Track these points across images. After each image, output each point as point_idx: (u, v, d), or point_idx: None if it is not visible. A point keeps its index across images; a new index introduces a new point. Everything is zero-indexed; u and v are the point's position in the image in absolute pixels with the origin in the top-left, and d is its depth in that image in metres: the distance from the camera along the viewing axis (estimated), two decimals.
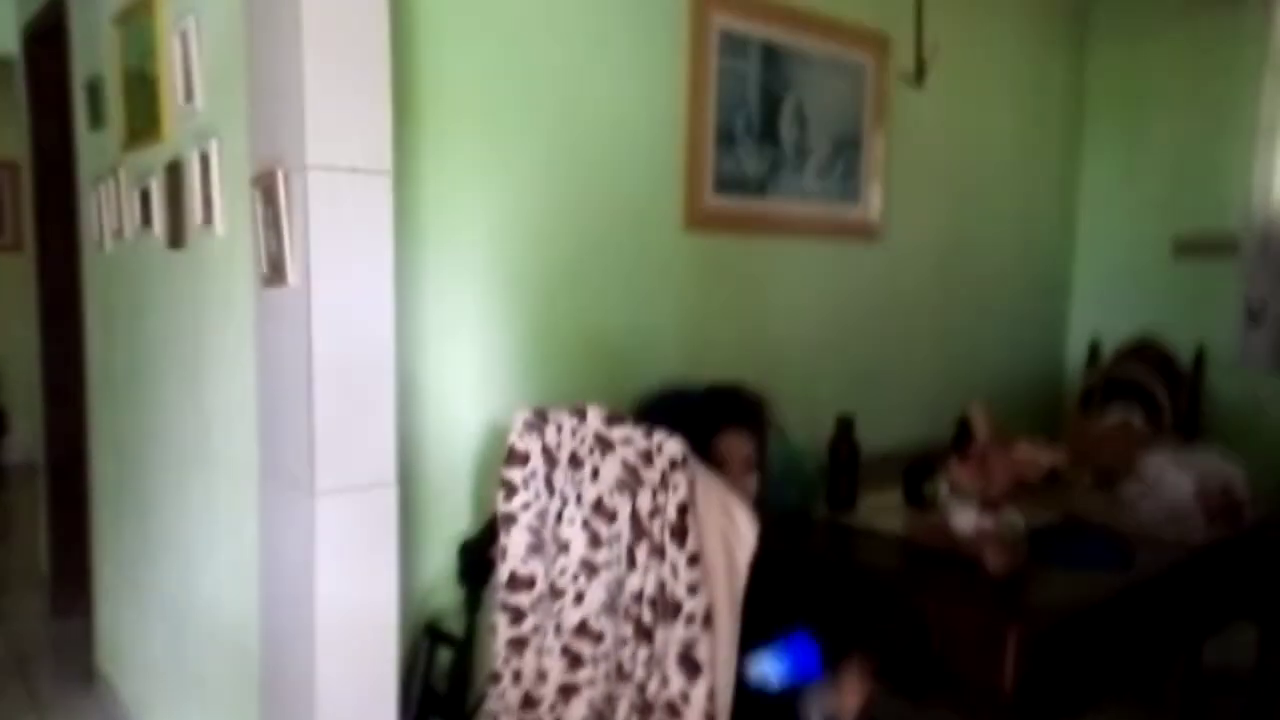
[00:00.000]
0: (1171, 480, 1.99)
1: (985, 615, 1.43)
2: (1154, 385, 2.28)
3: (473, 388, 1.74)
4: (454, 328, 1.72)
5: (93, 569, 2.75)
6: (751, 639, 1.49)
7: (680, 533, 1.13)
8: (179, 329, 1.97)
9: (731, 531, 1.17)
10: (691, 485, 1.15)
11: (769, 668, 1.31)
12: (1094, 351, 3.02)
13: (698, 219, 2.14)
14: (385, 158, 1.42)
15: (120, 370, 2.42)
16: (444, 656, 1.58)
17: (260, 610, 1.57)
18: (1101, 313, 3.18)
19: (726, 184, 2.22)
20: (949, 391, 2.83)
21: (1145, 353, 2.88)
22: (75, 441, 2.86)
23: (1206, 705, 2.57)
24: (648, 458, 1.17)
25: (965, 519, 1.63)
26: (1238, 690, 2.26)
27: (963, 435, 1.77)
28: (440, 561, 1.67)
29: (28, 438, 3.20)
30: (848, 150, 2.48)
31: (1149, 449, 2.12)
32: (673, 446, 1.15)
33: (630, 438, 1.21)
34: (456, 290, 1.72)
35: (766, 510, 1.41)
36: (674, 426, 1.21)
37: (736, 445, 1.39)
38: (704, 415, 1.37)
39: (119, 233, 2.30)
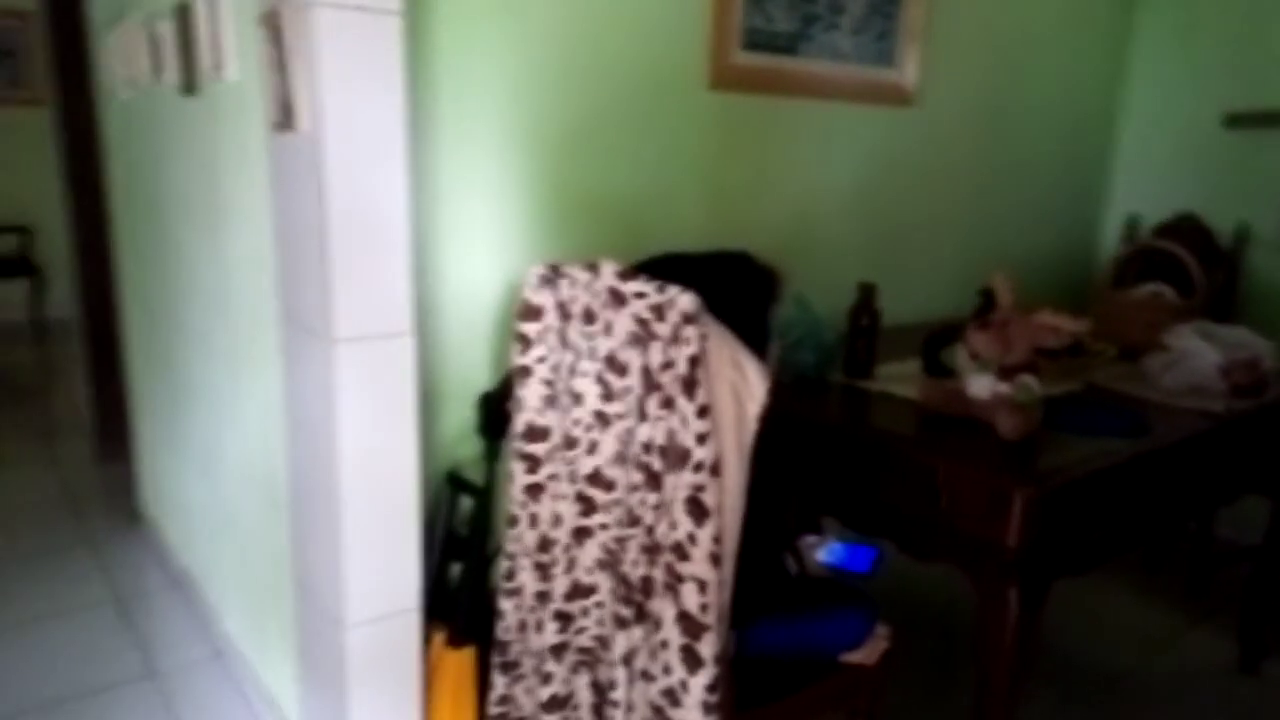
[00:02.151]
0: (1197, 351, 1.97)
1: (993, 476, 1.45)
2: (1188, 260, 2.22)
3: (490, 245, 1.73)
4: (470, 183, 1.69)
5: (131, 418, 2.85)
6: (765, 494, 1.53)
7: (690, 385, 1.14)
8: (196, 179, 1.96)
9: (742, 385, 1.18)
10: (703, 339, 1.15)
11: (828, 554, 1.38)
12: (1132, 229, 2.94)
13: (724, 77, 2.06)
14: None
15: (142, 223, 2.43)
16: (465, 505, 1.63)
17: (287, 455, 1.62)
18: (1144, 188, 3.07)
19: (756, 41, 2.12)
20: (979, 264, 2.78)
21: (1184, 229, 2.80)
22: (106, 295, 2.91)
23: (1213, 575, 2.63)
24: (660, 312, 1.17)
25: (981, 385, 1.63)
26: (1245, 562, 2.30)
27: (986, 305, 1.74)
28: (461, 414, 1.70)
29: (65, 293, 3.25)
30: (885, 8, 2.35)
31: (1177, 323, 2.08)
32: (685, 301, 1.14)
33: (643, 292, 1.20)
34: (473, 144, 1.68)
35: (782, 375, 1.42)
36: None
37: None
38: (709, 281, 1.35)
39: (132, 81, 2.26)
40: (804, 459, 1.72)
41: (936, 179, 2.60)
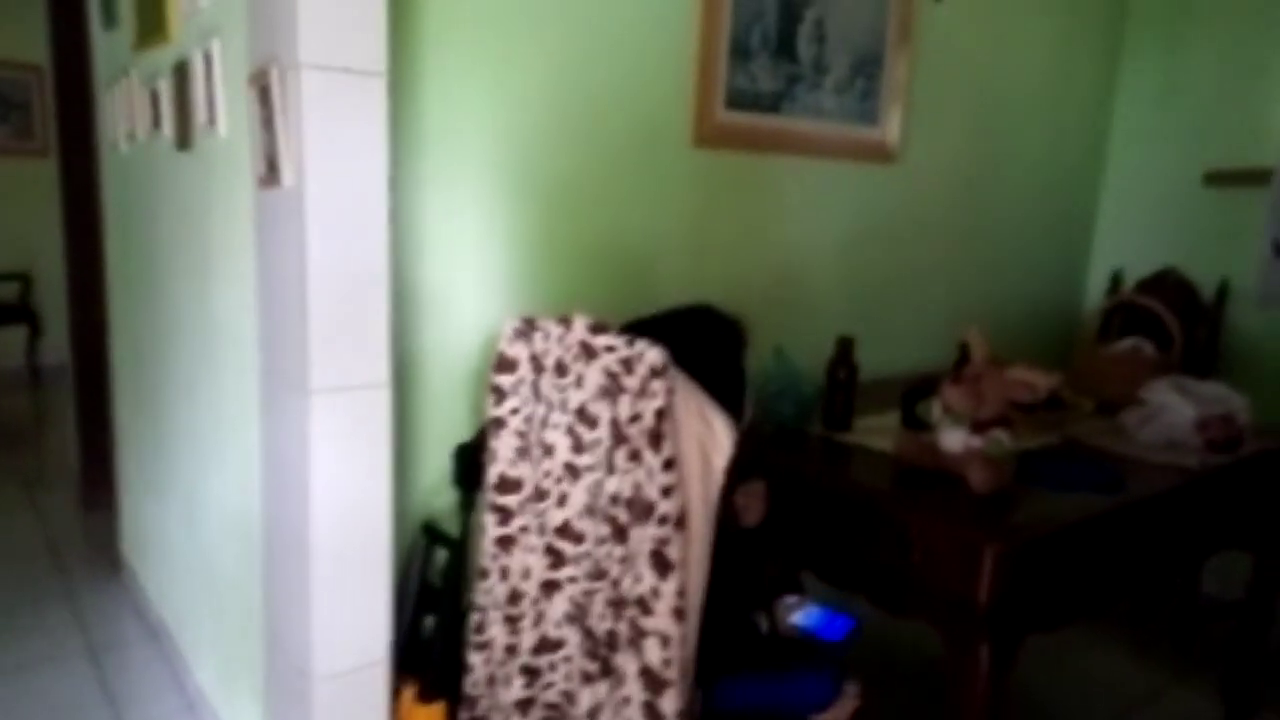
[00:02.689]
0: (1172, 406, 1.98)
1: (964, 531, 1.45)
2: (1167, 316, 2.25)
3: (474, 297, 1.76)
4: (455, 236, 1.72)
5: (116, 465, 2.86)
6: (736, 548, 1.53)
7: (656, 438, 1.15)
8: (187, 231, 2.00)
9: (708, 438, 1.19)
10: (669, 393, 1.17)
11: (804, 617, 1.39)
12: (1115, 283, 2.97)
13: (708, 135, 2.11)
14: (379, 59, 1.41)
15: (136, 273, 2.46)
16: (441, 556, 1.63)
17: (262, 504, 1.63)
18: (1127, 243, 3.11)
19: (739, 100, 2.17)
20: (962, 317, 2.81)
21: (1166, 284, 2.83)
22: (98, 343, 2.94)
23: (1197, 631, 2.61)
24: (629, 365, 1.19)
25: (954, 439, 1.64)
26: (1229, 618, 2.29)
27: (963, 360, 1.76)
28: (439, 465, 1.71)
29: (61, 339, 3.29)
30: (868, 69, 2.41)
31: (1155, 378, 2.10)
32: (653, 355, 1.17)
33: (613, 345, 1.22)
34: (458, 199, 1.72)
35: (761, 426, 1.44)
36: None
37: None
38: (677, 335, 1.38)
39: (132, 135, 2.31)
40: (781, 511, 1.73)
41: (919, 234, 2.65)
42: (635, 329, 1.42)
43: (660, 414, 1.15)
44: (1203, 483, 1.82)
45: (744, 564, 1.50)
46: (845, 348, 1.97)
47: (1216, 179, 2.87)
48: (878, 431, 1.94)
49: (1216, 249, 2.87)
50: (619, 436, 1.20)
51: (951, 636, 1.47)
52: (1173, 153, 3.00)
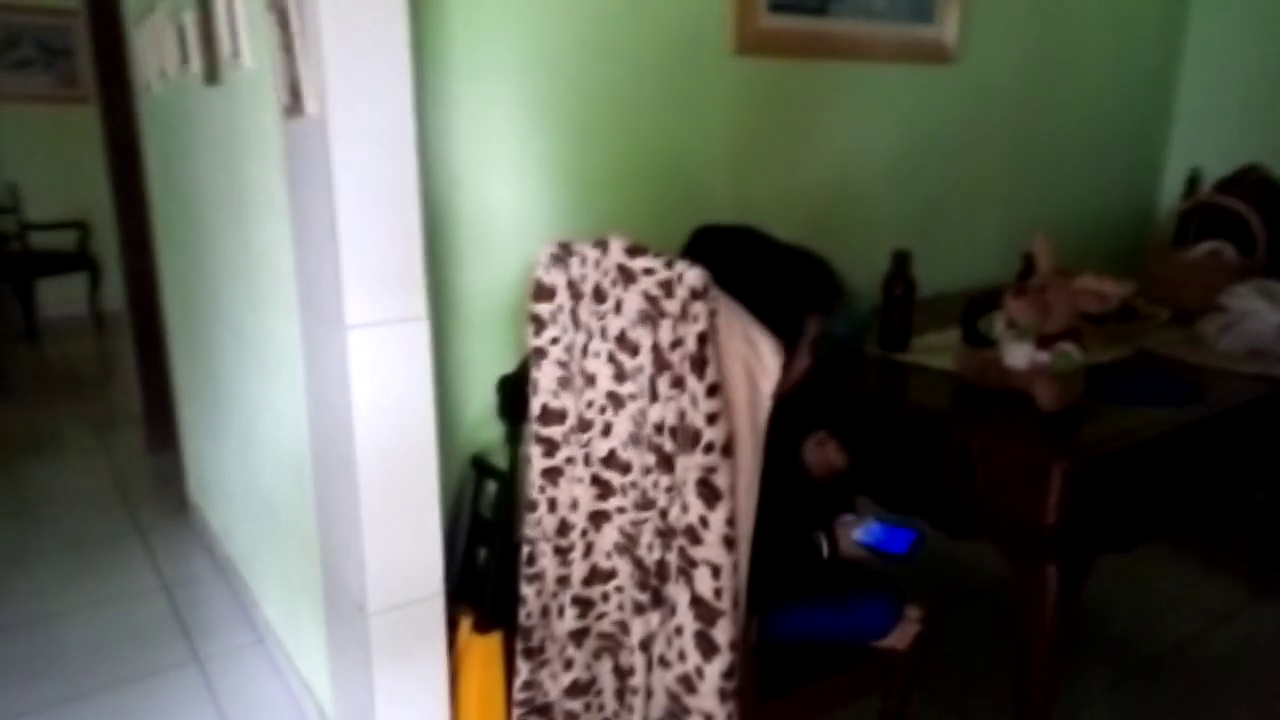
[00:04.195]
0: (1256, 312, 1.86)
1: (1030, 450, 1.38)
2: (1251, 216, 2.09)
3: (511, 224, 1.70)
4: (490, 162, 1.66)
5: (176, 408, 2.91)
6: (791, 473, 1.49)
7: (699, 363, 1.10)
8: (221, 168, 1.97)
9: (755, 362, 1.13)
10: (712, 315, 1.10)
11: (865, 534, 1.35)
12: (1193, 184, 2.79)
13: (750, 42, 1.99)
14: None
15: (179, 216, 2.46)
16: (491, 489, 1.62)
17: (310, 442, 1.63)
18: (1207, 140, 2.91)
19: (783, 3, 2.04)
20: (1024, 229, 2.65)
21: (1249, 182, 2.65)
22: (151, 288, 2.97)
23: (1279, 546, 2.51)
24: (668, 289, 1.13)
25: (1020, 354, 1.56)
26: None
27: (1027, 271, 1.66)
28: (484, 398, 1.68)
29: (120, 286, 3.34)
30: None
31: (1237, 283, 1.97)
32: (692, 276, 1.10)
33: (651, 268, 1.16)
34: (490, 121, 1.65)
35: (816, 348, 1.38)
36: (740, 279, 1.18)
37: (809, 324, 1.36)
38: (775, 282, 1.32)
39: (163, 73, 2.28)
40: (838, 434, 1.67)
41: (979, 141, 2.50)
42: (728, 247, 1.36)
43: (703, 338, 1.10)
44: None
45: (799, 489, 1.46)
46: (901, 262, 1.88)
47: None
48: (937, 350, 1.85)
49: None
50: (661, 363, 1.15)
51: (1018, 558, 1.41)
52: (1256, 42, 2.77)
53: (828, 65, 2.14)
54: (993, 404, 1.56)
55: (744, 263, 1.32)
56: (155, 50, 2.30)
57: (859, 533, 1.38)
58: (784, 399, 1.20)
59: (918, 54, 2.30)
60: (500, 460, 1.63)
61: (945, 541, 1.54)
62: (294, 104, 1.40)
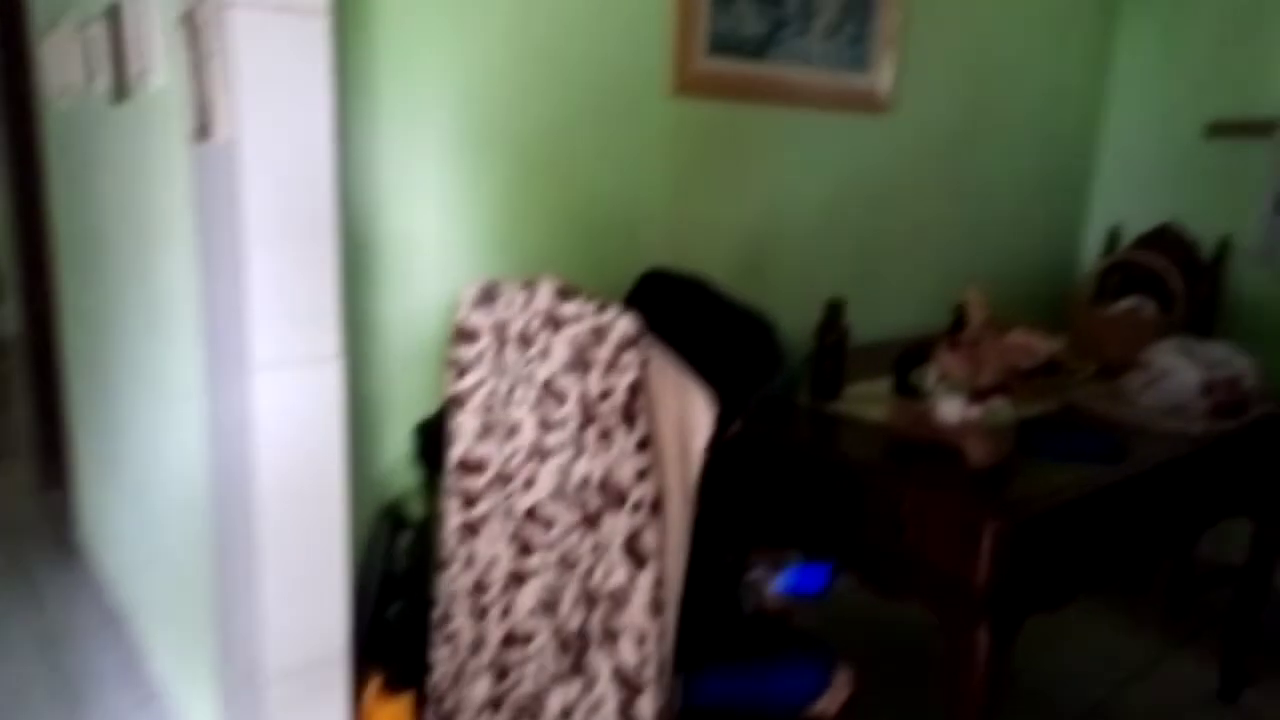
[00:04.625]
0: (1176, 370, 1.89)
1: (961, 508, 1.36)
2: (1168, 273, 2.15)
3: (437, 260, 1.63)
4: (416, 195, 1.59)
5: (70, 443, 2.73)
6: (716, 526, 1.43)
7: (630, 415, 1.04)
8: (126, 191, 1.86)
9: (687, 415, 1.08)
10: (644, 366, 1.05)
11: (781, 581, 1.30)
12: (1113, 240, 2.87)
13: (689, 83, 1.98)
14: None
15: (81, 239, 2.32)
16: (405, 541, 1.53)
17: (210, 487, 1.51)
18: (1126, 198, 3.00)
19: (722, 45, 2.03)
20: (955, 277, 2.70)
21: (1165, 240, 2.73)
22: (49, 313, 2.79)
23: (1193, 598, 2.55)
24: (599, 335, 1.07)
25: (951, 408, 1.54)
26: (1226, 584, 2.22)
27: (959, 323, 1.66)
28: (402, 444, 1.60)
29: (16, 309, 3.13)
30: (858, 12, 2.27)
31: (1157, 339, 2.01)
32: (624, 324, 1.05)
33: (581, 313, 1.11)
34: (418, 153, 1.58)
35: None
36: (683, 333, 1.14)
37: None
38: (719, 342, 1.26)
39: (70, 87, 2.15)
40: (766, 486, 1.63)
41: (911, 189, 2.53)
42: (645, 291, 1.31)
43: (633, 389, 1.04)
44: (1208, 450, 1.74)
45: (726, 543, 1.40)
46: (834, 311, 1.86)
47: (1218, 131, 2.75)
48: (869, 400, 1.83)
49: (1217, 204, 2.76)
50: (589, 414, 1.09)
51: (948, 619, 1.38)
52: (1172, 105, 2.88)
53: (766, 109, 2.14)
54: (924, 458, 1.54)
55: (690, 316, 1.28)
56: (61, 65, 2.18)
57: (777, 581, 1.33)
58: (715, 452, 1.16)
59: (853, 102, 2.32)
60: (416, 511, 1.54)
61: (875, 599, 1.50)
62: (203, 127, 1.32)
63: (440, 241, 1.63)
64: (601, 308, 1.09)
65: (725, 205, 2.10)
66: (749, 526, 1.46)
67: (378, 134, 1.52)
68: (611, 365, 1.06)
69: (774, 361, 1.37)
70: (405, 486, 1.56)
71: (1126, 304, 2.26)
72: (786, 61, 2.16)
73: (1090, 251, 3.03)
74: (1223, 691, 2.17)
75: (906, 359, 1.88)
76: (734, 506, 1.39)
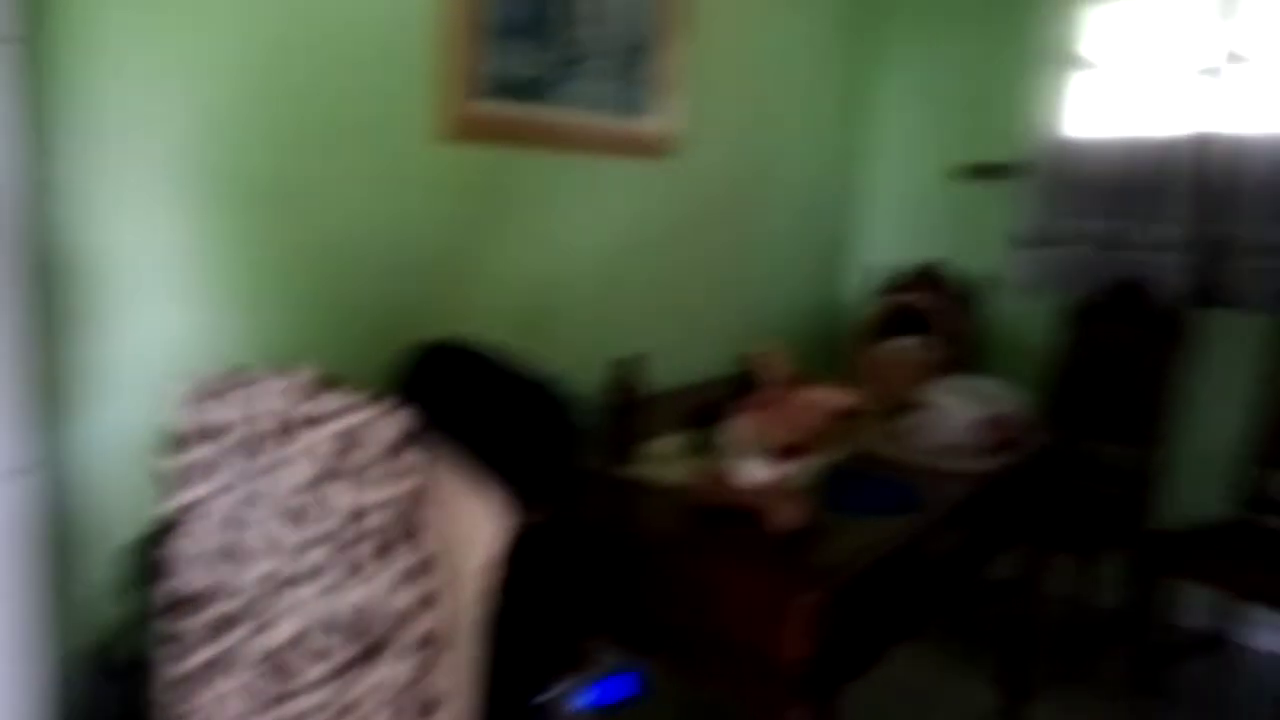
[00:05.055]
0: (951, 409, 1.95)
1: (769, 582, 1.29)
2: (936, 311, 2.24)
3: (164, 337, 1.37)
4: (140, 257, 1.32)
5: None
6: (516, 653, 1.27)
7: (402, 535, 0.87)
8: None
9: (477, 527, 0.92)
10: (419, 472, 0.88)
11: (583, 698, 1.15)
12: (877, 279, 3.00)
13: (457, 127, 1.82)
14: (8, 21, 1.00)
15: None
16: (118, 691, 1.24)
17: None
18: (886, 242, 3.16)
19: (497, 87, 1.90)
20: (743, 324, 2.71)
21: (926, 279, 2.89)
22: None
23: (970, 614, 2.65)
24: (359, 437, 0.89)
25: (751, 470, 1.47)
26: (1000, 600, 2.29)
27: (747, 381, 1.60)
28: (111, 572, 1.31)
29: None
30: (639, 56, 2.21)
31: (931, 378, 2.07)
32: (390, 423, 0.88)
33: (338, 410, 0.92)
34: (145, 206, 1.32)
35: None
36: (467, 416, 0.96)
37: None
38: (510, 421, 1.10)
39: None
40: (563, 570, 1.49)
41: (696, 236, 2.50)
42: (419, 372, 1.12)
43: (406, 502, 0.87)
44: (991, 488, 1.79)
45: (527, 674, 1.25)
46: (623, 370, 1.76)
47: (964, 173, 2.96)
48: (666, 460, 1.75)
49: (970, 240, 2.96)
50: (349, 535, 0.90)
51: (757, 705, 1.29)
52: (924, 148, 3.07)
53: (546, 155, 2.02)
54: (727, 525, 1.46)
55: (476, 395, 1.12)
56: None
57: (578, 700, 1.20)
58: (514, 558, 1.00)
59: (636, 147, 2.26)
60: (129, 655, 1.26)
61: (686, 688, 1.40)
62: None
63: (165, 319, 1.36)
64: (364, 401, 0.91)
65: (508, 258, 1.96)
66: (554, 641, 1.30)
67: (94, 187, 1.25)
68: (377, 474, 0.88)
69: (569, 435, 1.24)
70: (115, 624, 1.27)
71: (901, 344, 2.34)
72: (566, 105, 2.05)
73: (857, 292, 3.15)
74: (1004, 708, 2.25)
75: (700, 415, 1.82)
76: (537, 623, 1.24)
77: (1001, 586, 2.33)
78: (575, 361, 2.05)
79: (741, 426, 1.47)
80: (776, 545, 1.38)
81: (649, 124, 2.28)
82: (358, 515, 0.89)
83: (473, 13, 1.81)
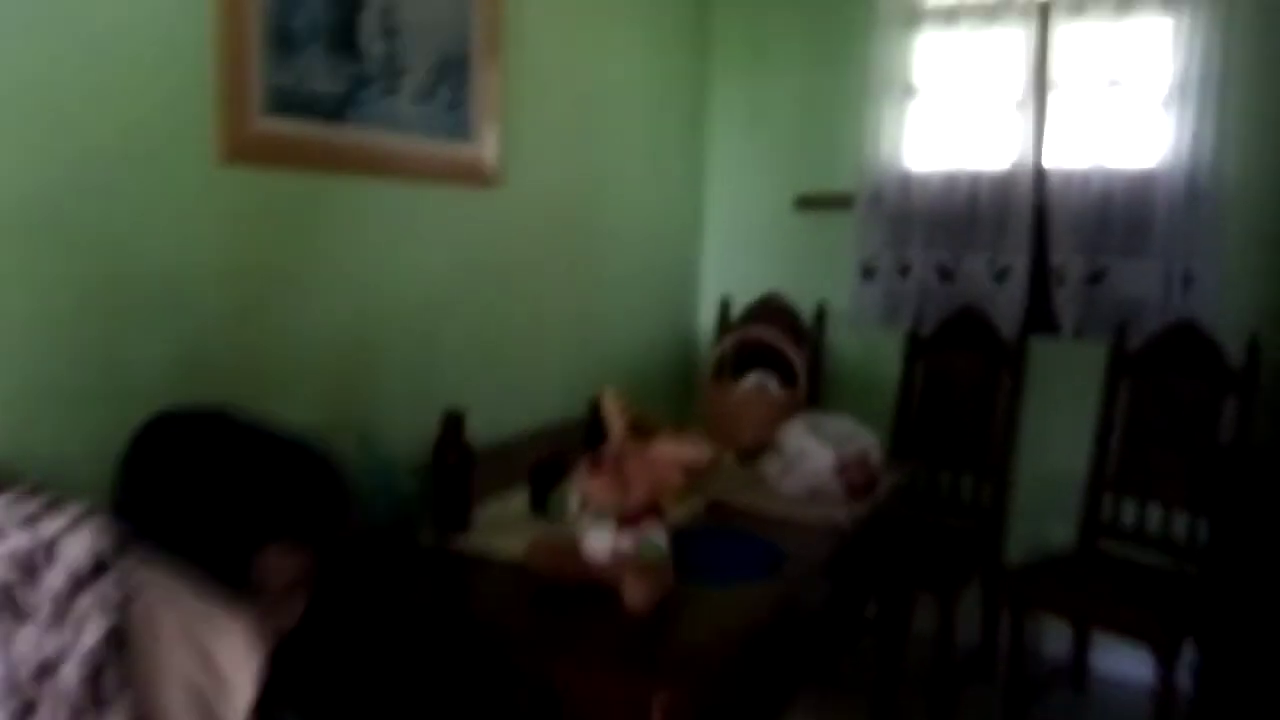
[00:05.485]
0: (810, 452, 1.83)
1: (624, 679, 1.09)
2: (786, 347, 2.13)
3: None
4: None
5: None
6: None
7: (95, 697, 0.61)
8: None
9: (214, 668, 0.67)
10: (124, 606, 0.63)
11: None
12: (725, 311, 2.90)
13: (243, 149, 1.55)
14: None
15: None
16: None
17: None
18: (731, 272, 3.07)
19: (287, 103, 1.64)
20: (583, 363, 2.52)
21: (771, 311, 2.81)
22: None
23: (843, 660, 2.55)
24: (34, 566, 0.63)
25: (600, 541, 1.28)
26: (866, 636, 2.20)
27: (595, 429, 1.41)
28: None
29: None
30: (455, 74, 2.00)
31: (786, 417, 1.95)
32: (79, 544, 0.62)
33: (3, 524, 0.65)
34: None
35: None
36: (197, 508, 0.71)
37: (287, 563, 0.89)
38: (251, 505, 0.85)
39: None
40: (388, 666, 1.24)
41: (529, 269, 2.30)
42: (143, 453, 0.86)
43: (104, 649, 0.61)
44: (855, 539, 1.67)
45: None
46: (452, 425, 1.52)
47: (807, 203, 2.91)
48: (505, 527, 1.52)
49: (812, 270, 2.90)
50: (22, 699, 0.63)
51: None
52: (765, 178, 3.00)
53: (353, 181, 1.77)
54: (575, 607, 1.25)
55: (205, 479, 0.86)
56: None
57: None
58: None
59: (456, 174, 2.04)
60: None
61: None
62: None
63: None
64: (39, 514, 0.64)
65: (311, 300, 1.69)
66: None
67: None
68: (61, 613, 0.62)
69: (338, 512, 1.01)
70: None
71: (751, 381, 2.22)
72: (373, 126, 1.81)
73: (706, 326, 3.04)
74: None
75: (542, 473, 1.61)
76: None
77: (866, 626, 2.24)
78: (402, 413, 1.80)
79: (586, 491, 1.27)
80: (632, 630, 1.19)
81: (472, 150, 2.07)
82: (46, 669, 0.62)
83: (259, 18, 1.55)
